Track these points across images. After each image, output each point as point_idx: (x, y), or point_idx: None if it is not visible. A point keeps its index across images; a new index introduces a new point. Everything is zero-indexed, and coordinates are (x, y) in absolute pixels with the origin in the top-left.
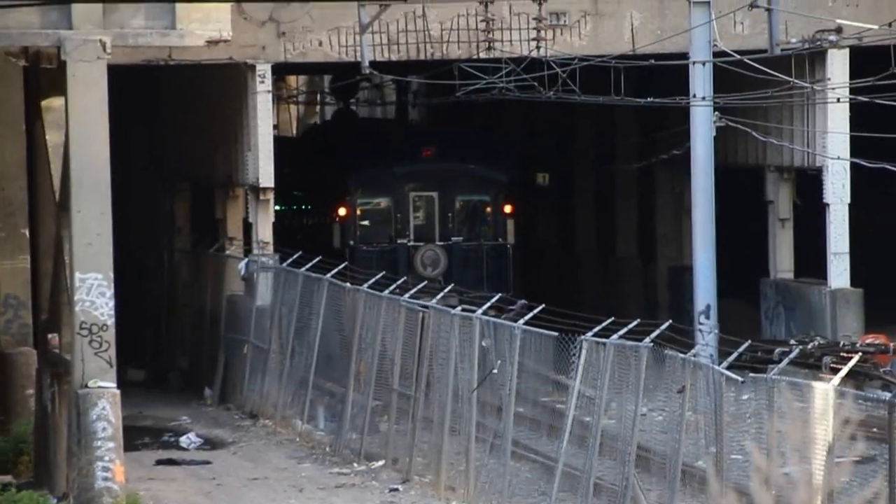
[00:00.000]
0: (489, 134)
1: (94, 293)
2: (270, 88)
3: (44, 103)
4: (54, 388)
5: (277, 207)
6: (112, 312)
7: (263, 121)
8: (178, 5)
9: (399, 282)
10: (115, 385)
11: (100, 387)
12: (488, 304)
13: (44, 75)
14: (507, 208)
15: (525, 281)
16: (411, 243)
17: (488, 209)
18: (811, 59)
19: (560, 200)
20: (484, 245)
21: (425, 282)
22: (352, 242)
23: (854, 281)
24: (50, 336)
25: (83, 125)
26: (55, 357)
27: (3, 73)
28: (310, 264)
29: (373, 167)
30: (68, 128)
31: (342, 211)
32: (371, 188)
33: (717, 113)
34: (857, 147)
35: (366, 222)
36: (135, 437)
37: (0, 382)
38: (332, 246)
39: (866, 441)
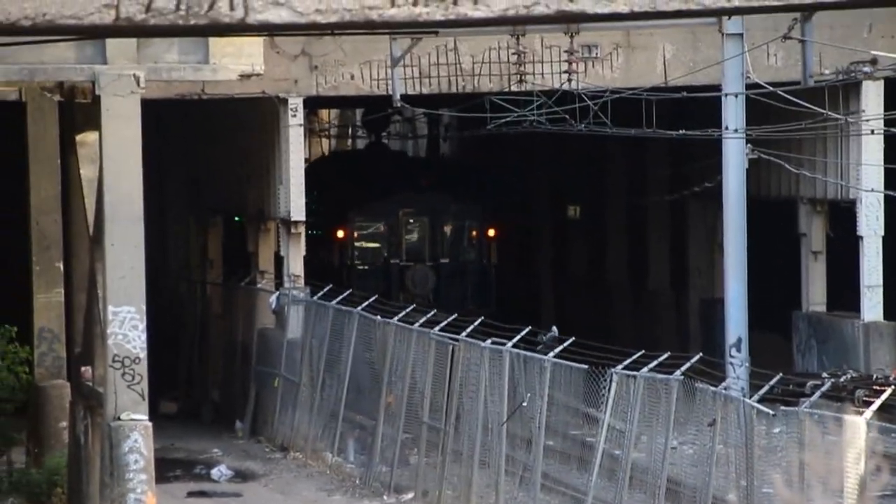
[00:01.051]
0: (475, 166)
1: (126, 326)
2: (302, 122)
3: (78, 138)
4: (87, 421)
5: None
6: (144, 345)
7: (295, 154)
8: (211, 40)
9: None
10: (147, 417)
11: (132, 419)
12: (518, 336)
13: (78, 110)
14: (491, 232)
15: (556, 312)
16: (403, 263)
17: (474, 233)
18: (845, 90)
19: (592, 232)
20: (469, 265)
21: (412, 305)
22: (348, 262)
23: (888, 314)
24: (83, 369)
25: (117, 159)
26: (88, 390)
27: (39, 108)
28: (340, 297)
29: (370, 194)
30: (102, 162)
31: (340, 233)
32: (368, 213)
33: (749, 145)
34: (891, 179)
35: (362, 244)
36: (167, 470)
37: (34, 415)
38: (333, 265)
39: None
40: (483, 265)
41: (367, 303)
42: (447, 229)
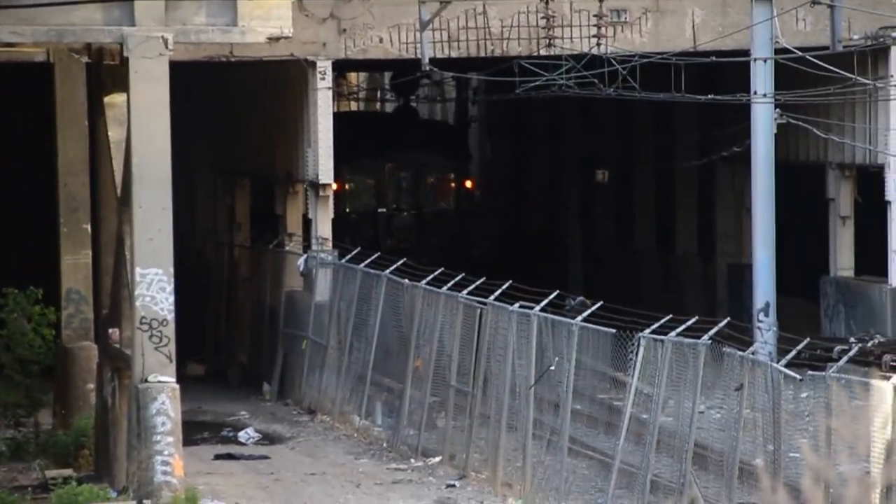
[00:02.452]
0: (451, 125)
1: (154, 288)
2: (331, 85)
3: (106, 99)
4: (115, 383)
5: None
6: (172, 307)
7: (324, 117)
8: (240, 2)
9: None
10: (174, 380)
11: (159, 381)
12: (546, 300)
13: (106, 72)
14: (468, 183)
15: (584, 277)
16: (389, 212)
17: (452, 184)
18: (874, 55)
19: (619, 197)
20: (448, 213)
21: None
22: (343, 212)
23: None
24: (111, 331)
25: (145, 121)
26: (116, 352)
27: (67, 70)
28: (368, 260)
29: (360, 151)
30: (130, 124)
31: (335, 186)
32: (358, 168)
33: (778, 110)
34: None
35: (354, 196)
36: (194, 432)
37: (61, 377)
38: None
39: None
40: (459, 213)
41: (395, 266)
42: (428, 182)
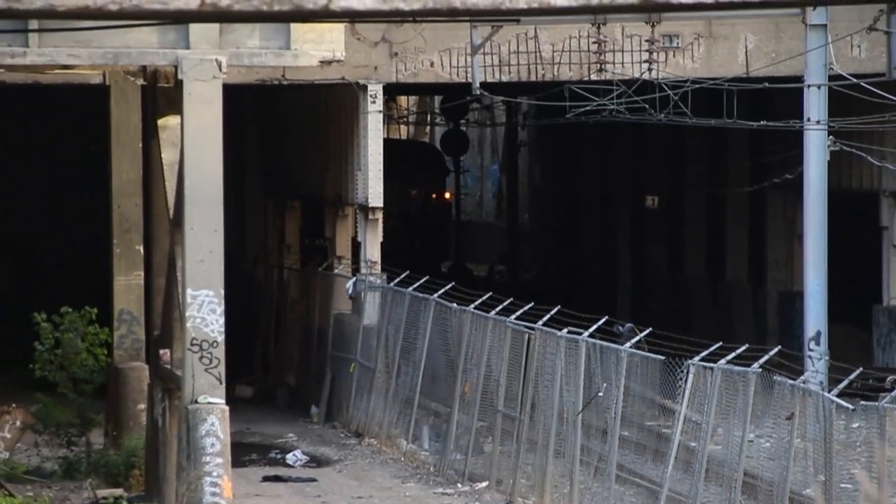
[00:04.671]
0: (431, 145)
1: (205, 310)
2: (381, 108)
3: (160, 122)
4: (165, 403)
5: None
6: (222, 329)
7: (374, 140)
8: (293, 25)
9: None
10: (224, 401)
11: (209, 403)
12: (594, 326)
13: (161, 94)
14: (447, 195)
15: (634, 303)
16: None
17: (434, 196)
18: None
19: (670, 223)
20: (429, 220)
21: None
22: None
23: None
24: (162, 351)
25: (198, 143)
26: (166, 372)
27: (122, 92)
28: (417, 284)
29: None
30: (183, 146)
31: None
32: None
33: (831, 137)
34: None
35: None
36: (242, 454)
37: (113, 397)
38: None
39: None
40: (441, 221)
41: (443, 290)
42: (413, 193)
